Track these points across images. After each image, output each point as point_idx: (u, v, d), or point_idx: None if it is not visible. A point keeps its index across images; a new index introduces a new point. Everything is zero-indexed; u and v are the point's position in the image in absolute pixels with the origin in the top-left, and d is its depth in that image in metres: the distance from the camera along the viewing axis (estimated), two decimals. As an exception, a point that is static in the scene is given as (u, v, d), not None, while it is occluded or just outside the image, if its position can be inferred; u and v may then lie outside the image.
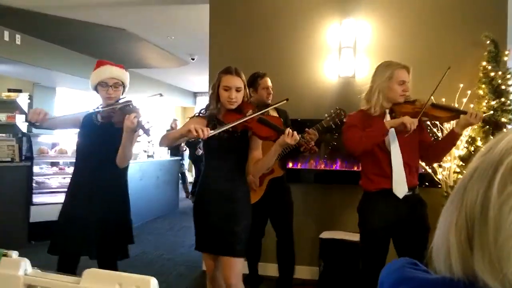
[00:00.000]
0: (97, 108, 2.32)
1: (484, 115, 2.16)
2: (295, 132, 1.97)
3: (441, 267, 0.52)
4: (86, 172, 2.32)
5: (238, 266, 2.15)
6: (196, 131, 1.96)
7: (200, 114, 2.27)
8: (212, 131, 2.01)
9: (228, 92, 2.14)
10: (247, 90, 2.25)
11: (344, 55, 3.53)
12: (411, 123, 2.12)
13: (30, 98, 7.14)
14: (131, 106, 2.22)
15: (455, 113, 2.25)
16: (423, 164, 2.80)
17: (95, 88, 2.38)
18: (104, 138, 2.29)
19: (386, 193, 2.21)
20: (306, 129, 2.72)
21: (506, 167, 0.46)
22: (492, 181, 0.47)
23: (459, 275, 0.50)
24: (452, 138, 2.27)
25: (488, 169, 0.48)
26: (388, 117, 2.26)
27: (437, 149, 2.34)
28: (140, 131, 2.13)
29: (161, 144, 2.25)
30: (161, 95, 2.42)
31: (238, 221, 2.15)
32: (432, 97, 2.26)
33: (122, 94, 2.43)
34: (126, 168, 2.40)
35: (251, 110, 2.14)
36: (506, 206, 0.45)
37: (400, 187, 2.19)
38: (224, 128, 2.06)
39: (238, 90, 2.15)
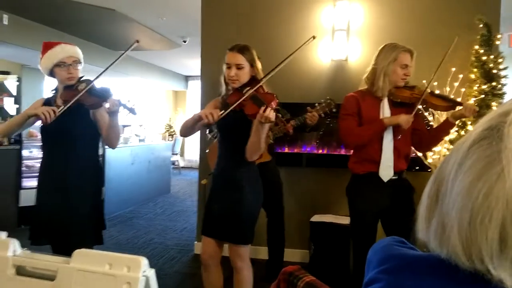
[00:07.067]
0: (60, 99, 2.19)
1: (476, 106, 2.23)
2: (269, 109, 1.84)
3: (419, 235, 0.55)
4: (58, 156, 2.21)
5: (244, 251, 2.16)
6: (206, 117, 1.94)
7: (220, 96, 2.21)
8: (221, 113, 1.97)
9: (229, 70, 2.07)
10: (256, 68, 2.11)
11: (337, 38, 3.50)
12: (407, 123, 2.17)
13: (19, 80, 7.01)
14: (95, 86, 2.15)
15: (452, 104, 2.27)
16: (413, 149, 2.83)
17: (51, 72, 2.24)
18: (72, 121, 2.18)
19: (373, 176, 2.25)
20: (308, 107, 2.74)
21: (467, 144, 0.49)
22: (458, 156, 0.50)
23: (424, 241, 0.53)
24: (446, 127, 2.30)
25: (459, 146, 0.51)
26: (386, 100, 2.27)
27: (431, 137, 2.37)
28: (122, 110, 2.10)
29: (181, 133, 2.24)
30: (137, 41, 2.20)
31: (242, 208, 2.10)
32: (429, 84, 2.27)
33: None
34: (97, 149, 2.33)
35: (248, 88, 2.04)
36: (456, 180, 0.48)
37: (386, 170, 2.24)
38: (229, 110, 1.97)
39: (239, 67, 2.06)
